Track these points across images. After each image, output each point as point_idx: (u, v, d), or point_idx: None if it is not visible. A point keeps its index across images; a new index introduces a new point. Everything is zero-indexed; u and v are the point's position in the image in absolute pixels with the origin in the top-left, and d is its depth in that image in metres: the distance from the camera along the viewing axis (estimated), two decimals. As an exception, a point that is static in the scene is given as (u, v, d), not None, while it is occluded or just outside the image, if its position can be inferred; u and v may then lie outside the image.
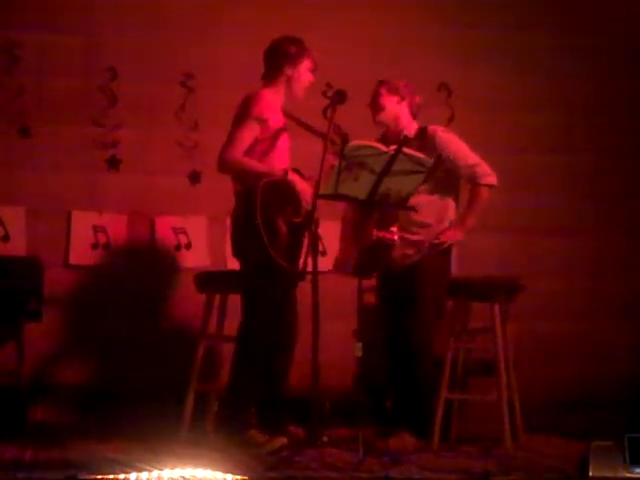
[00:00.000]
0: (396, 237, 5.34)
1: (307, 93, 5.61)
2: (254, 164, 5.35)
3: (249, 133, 5.35)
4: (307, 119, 5.54)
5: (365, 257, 5.33)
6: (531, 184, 7.08)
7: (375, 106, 5.64)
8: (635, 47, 7.28)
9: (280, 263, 5.20)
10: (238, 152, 5.34)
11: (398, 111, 5.63)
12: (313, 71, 5.54)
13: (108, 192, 6.47)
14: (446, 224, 5.59)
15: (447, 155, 5.50)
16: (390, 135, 5.61)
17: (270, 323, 5.32)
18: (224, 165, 5.37)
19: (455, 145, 5.60)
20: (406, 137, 5.34)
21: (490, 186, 5.62)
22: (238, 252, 5.46)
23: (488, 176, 5.61)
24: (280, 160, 5.43)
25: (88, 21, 6.55)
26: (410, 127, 5.62)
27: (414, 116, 5.69)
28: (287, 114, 5.52)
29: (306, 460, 4.91)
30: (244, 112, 5.38)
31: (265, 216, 5.22)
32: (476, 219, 5.61)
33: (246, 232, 5.31)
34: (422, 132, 5.61)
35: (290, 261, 5.28)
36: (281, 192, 5.31)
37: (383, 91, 5.62)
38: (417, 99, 5.68)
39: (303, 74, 5.49)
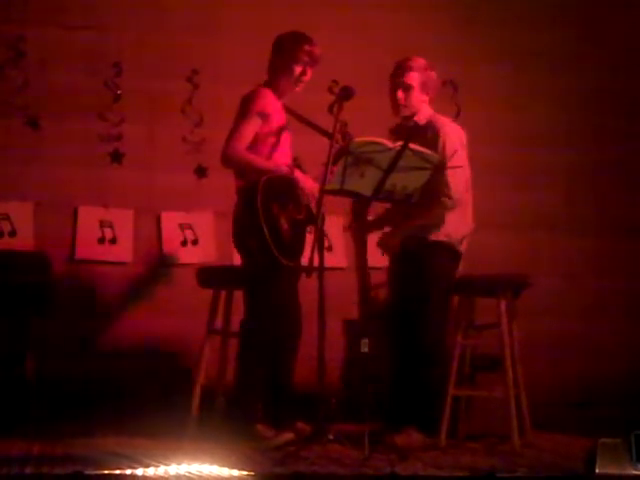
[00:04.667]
0: None
1: (313, 89, 5.61)
2: (258, 159, 5.36)
3: (252, 128, 5.35)
4: (313, 115, 5.54)
5: None
6: (535, 182, 7.08)
7: (398, 97, 5.48)
8: (636, 45, 7.28)
9: (282, 261, 5.20)
10: (241, 146, 5.34)
11: (420, 101, 5.53)
12: (313, 67, 5.49)
13: (114, 187, 6.50)
14: (443, 201, 5.47)
15: (443, 144, 5.40)
16: (406, 126, 5.54)
17: (272, 318, 5.32)
18: (227, 159, 5.37)
19: (450, 145, 5.47)
20: (414, 128, 5.32)
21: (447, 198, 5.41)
22: (240, 248, 5.47)
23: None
24: (282, 158, 5.43)
25: (93, 16, 6.56)
26: (426, 117, 5.55)
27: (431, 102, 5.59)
28: (290, 111, 5.51)
29: (312, 456, 4.89)
30: (246, 107, 5.38)
31: (267, 213, 5.22)
32: None
33: (248, 228, 5.31)
34: (430, 121, 5.54)
35: (292, 258, 5.28)
36: (282, 188, 5.32)
37: (409, 80, 5.48)
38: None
39: (305, 71, 5.46)
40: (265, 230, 5.18)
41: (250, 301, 5.41)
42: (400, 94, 5.49)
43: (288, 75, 5.45)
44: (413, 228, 5.48)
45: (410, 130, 5.46)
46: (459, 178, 5.45)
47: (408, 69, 5.50)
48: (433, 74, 5.55)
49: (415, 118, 5.52)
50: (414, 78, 5.49)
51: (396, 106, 5.52)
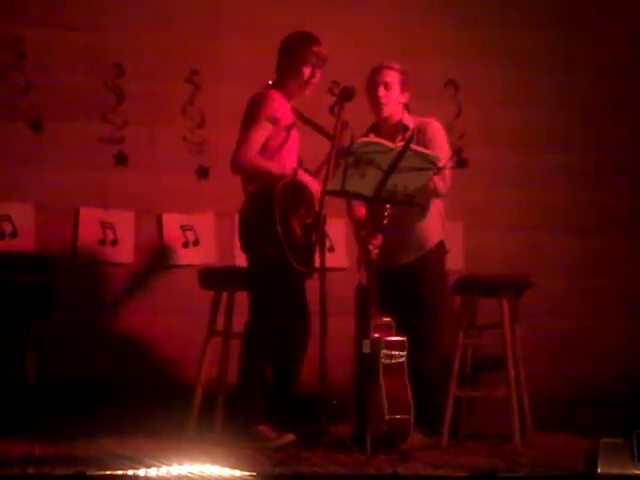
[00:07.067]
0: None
1: (315, 90, 5.60)
2: (269, 164, 5.32)
3: (262, 133, 5.32)
4: (314, 116, 5.54)
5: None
6: (535, 182, 7.07)
7: (379, 95, 5.46)
8: (636, 44, 7.28)
9: (297, 267, 5.20)
10: (252, 152, 5.30)
11: (399, 101, 5.53)
12: (321, 68, 5.47)
13: (116, 189, 6.48)
14: (433, 219, 5.52)
15: (432, 145, 5.40)
16: (384, 126, 5.53)
17: (278, 321, 5.32)
18: (238, 166, 5.34)
19: (442, 140, 5.51)
20: (411, 136, 5.32)
21: (438, 192, 5.44)
22: (248, 251, 5.45)
23: (445, 183, 5.45)
24: (290, 157, 5.41)
25: (94, 18, 6.55)
26: (407, 120, 5.54)
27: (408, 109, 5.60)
28: (296, 112, 5.50)
29: (314, 457, 4.89)
30: (255, 112, 5.35)
31: (283, 219, 5.22)
32: None
33: (261, 233, 5.30)
34: (418, 126, 5.53)
35: (305, 263, 5.27)
36: (295, 193, 5.32)
37: (389, 78, 5.48)
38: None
39: (314, 73, 5.43)
40: (282, 237, 5.18)
41: (256, 303, 5.40)
42: (381, 92, 5.47)
43: (297, 77, 5.43)
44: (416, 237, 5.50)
45: (405, 131, 5.47)
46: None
47: (387, 68, 5.51)
48: (410, 78, 5.55)
49: (404, 121, 5.52)
50: (394, 77, 5.50)
51: (377, 104, 5.48)
